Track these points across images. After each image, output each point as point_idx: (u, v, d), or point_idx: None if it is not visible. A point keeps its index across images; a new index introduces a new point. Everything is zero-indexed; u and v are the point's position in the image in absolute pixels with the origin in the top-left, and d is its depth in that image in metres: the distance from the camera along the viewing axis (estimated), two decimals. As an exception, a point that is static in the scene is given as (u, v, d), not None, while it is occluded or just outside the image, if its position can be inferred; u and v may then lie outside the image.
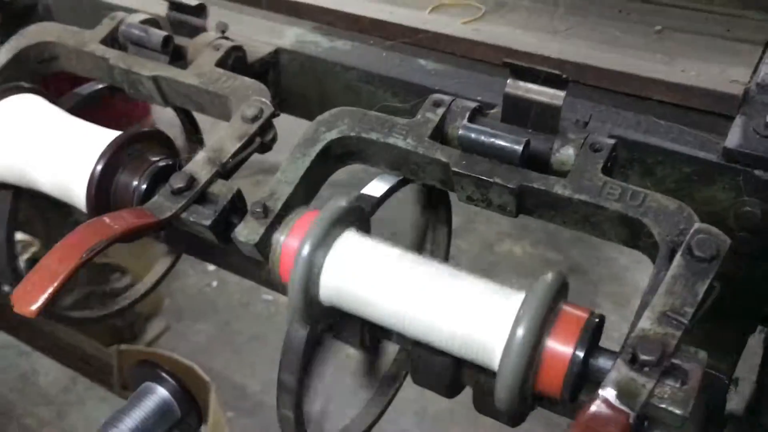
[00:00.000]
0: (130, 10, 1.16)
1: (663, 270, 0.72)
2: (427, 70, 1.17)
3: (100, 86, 1.14)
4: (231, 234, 0.86)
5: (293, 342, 0.84)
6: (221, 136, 0.93)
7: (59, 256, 0.77)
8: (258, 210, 0.84)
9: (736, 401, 1.12)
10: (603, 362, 0.67)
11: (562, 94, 0.83)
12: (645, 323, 0.67)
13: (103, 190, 0.92)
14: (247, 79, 1.01)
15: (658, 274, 0.72)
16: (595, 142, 0.83)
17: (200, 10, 1.15)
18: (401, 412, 2.49)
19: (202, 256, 1.65)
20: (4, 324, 1.91)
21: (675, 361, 0.64)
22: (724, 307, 0.73)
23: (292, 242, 0.78)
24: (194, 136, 1.35)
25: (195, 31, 1.15)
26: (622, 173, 0.99)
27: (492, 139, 0.82)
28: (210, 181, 0.88)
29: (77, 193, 0.94)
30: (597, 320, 0.69)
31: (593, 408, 0.61)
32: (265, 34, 1.27)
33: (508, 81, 0.85)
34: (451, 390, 0.85)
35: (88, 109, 1.10)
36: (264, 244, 0.83)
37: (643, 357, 0.63)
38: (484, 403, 0.82)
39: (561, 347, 0.67)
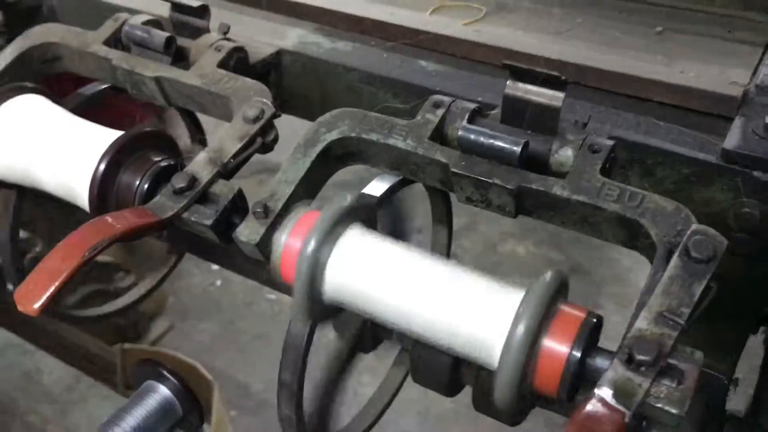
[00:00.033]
0: (133, 12, 1.17)
1: (660, 270, 0.72)
2: (427, 72, 1.17)
3: (103, 87, 1.15)
4: (232, 234, 0.86)
5: (294, 340, 0.85)
6: (222, 136, 0.93)
7: (62, 255, 0.78)
8: (259, 210, 0.85)
9: (735, 401, 1.13)
10: (600, 362, 0.68)
11: (561, 95, 0.83)
12: (642, 323, 0.67)
13: (106, 190, 0.93)
14: (248, 80, 1.02)
15: (655, 274, 0.73)
16: (593, 143, 0.83)
17: (202, 12, 1.16)
18: (403, 412, 2.49)
19: (204, 255, 1.66)
20: (8, 322, 1.91)
21: (671, 361, 0.64)
22: (723, 308, 0.73)
23: (292, 242, 0.79)
24: (198, 136, 1.36)
25: (197, 32, 1.15)
26: (621, 174, 0.99)
27: (491, 140, 0.83)
28: (211, 181, 0.89)
29: (80, 193, 0.94)
30: (595, 320, 0.69)
31: (589, 407, 0.62)
32: (267, 35, 1.28)
33: (508, 82, 0.85)
34: (450, 389, 0.86)
35: (91, 110, 1.11)
36: (265, 244, 0.84)
37: (640, 357, 0.63)
38: (483, 403, 0.82)
39: (558, 346, 0.67)
